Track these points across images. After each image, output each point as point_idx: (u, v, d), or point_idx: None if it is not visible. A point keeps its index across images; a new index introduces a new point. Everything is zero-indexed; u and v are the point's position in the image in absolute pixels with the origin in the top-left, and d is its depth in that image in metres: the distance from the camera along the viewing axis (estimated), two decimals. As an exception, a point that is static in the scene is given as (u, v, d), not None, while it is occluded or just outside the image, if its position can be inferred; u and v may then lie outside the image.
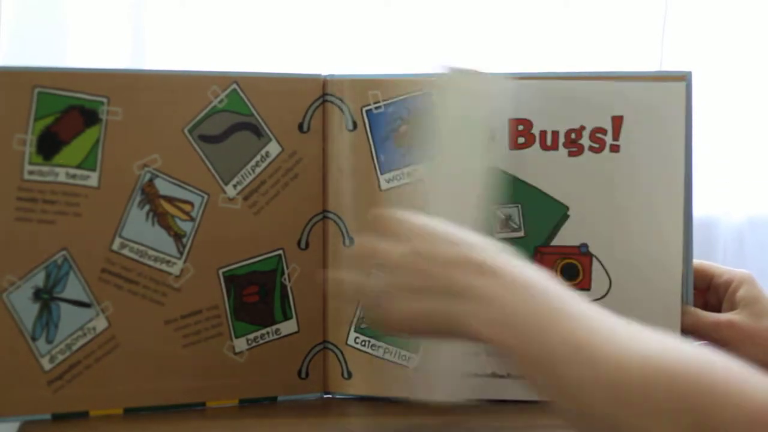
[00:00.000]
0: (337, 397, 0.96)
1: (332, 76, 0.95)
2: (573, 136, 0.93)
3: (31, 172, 0.88)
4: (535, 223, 0.94)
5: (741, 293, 0.92)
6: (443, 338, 0.75)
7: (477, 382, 0.94)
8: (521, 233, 0.94)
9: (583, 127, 0.93)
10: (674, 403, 0.59)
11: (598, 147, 0.93)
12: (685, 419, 0.59)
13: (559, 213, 0.93)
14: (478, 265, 0.71)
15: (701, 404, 0.59)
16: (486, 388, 0.94)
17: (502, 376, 0.94)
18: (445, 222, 0.76)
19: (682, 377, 0.60)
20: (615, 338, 0.65)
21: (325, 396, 0.96)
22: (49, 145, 0.88)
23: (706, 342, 0.91)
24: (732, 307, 0.92)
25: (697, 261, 0.94)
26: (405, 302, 0.72)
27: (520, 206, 0.93)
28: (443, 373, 0.87)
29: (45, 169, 0.88)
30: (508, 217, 0.93)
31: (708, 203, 1.35)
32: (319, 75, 0.95)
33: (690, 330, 0.92)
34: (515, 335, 0.68)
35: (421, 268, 0.72)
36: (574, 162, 0.93)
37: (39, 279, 0.88)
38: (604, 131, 0.93)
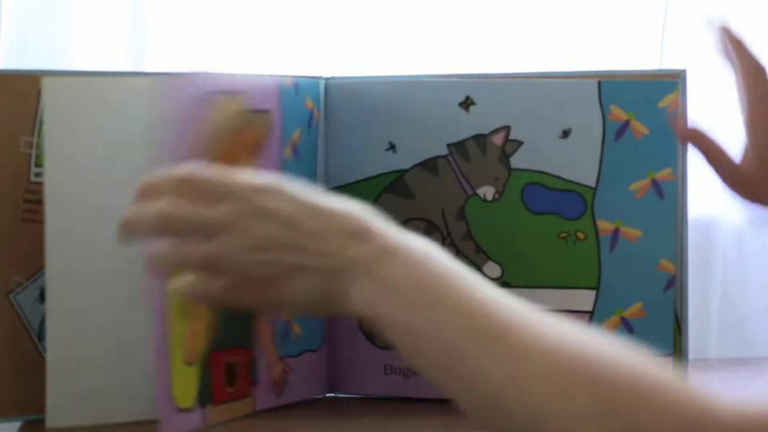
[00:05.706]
0: (340, 396, 0.97)
1: (333, 78, 0.96)
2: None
3: (37, 174, 0.89)
4: None
5: None
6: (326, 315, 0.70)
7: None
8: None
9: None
10: (602, 409, 0.55)
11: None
12: (613, 425, 0.55)
13: None
14: (351, 232, 0.62)
15: (630, 411, 0.55)
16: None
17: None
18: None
19: (612, 381, 0.56)
20: (537, 334, 0.58)
21: (328, 395, 0.97)
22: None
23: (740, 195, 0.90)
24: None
25: None
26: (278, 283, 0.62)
27: None
28: None
29: (51, 171, 0.89)
30: None
31: (708, 203, 1.35)
32: (320, 77, 0.96)
33: (726, 181, 0.91)
34: (404, 311, 0.60)
35: (278, 239, 0.62)
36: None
37: (46, 280, 0.89)
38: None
